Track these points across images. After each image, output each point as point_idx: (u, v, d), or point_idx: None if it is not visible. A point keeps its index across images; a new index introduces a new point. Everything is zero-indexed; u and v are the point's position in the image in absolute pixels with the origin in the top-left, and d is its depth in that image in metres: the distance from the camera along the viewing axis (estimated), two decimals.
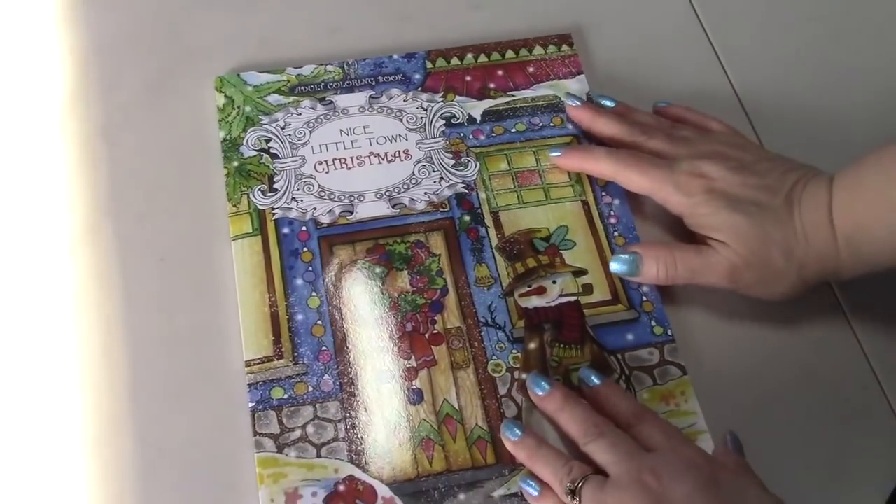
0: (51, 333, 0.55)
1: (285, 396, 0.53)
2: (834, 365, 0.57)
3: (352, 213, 0.59)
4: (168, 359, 0.54)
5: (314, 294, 0.56)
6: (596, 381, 0.53)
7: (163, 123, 0.62)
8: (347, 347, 0.55)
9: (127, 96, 0.62)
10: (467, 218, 0.59)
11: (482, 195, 0.60)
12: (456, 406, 0.54)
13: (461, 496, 0.51)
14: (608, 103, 0.63)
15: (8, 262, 0.57)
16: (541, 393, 0.53)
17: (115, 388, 0.53)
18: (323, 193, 0.60)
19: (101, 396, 0.53)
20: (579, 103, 0.63)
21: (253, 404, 0.53)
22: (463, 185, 0.61)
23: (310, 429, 0.52)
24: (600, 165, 0.59)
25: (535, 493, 0.50)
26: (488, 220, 0.59)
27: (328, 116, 0.62)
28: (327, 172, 0.60)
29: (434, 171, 0.61)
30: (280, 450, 0.52)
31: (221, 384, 0.54)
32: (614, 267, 0.57)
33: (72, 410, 0.53)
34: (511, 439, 0.52)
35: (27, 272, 0.57)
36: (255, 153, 0.61)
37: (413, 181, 0.60)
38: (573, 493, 0.48)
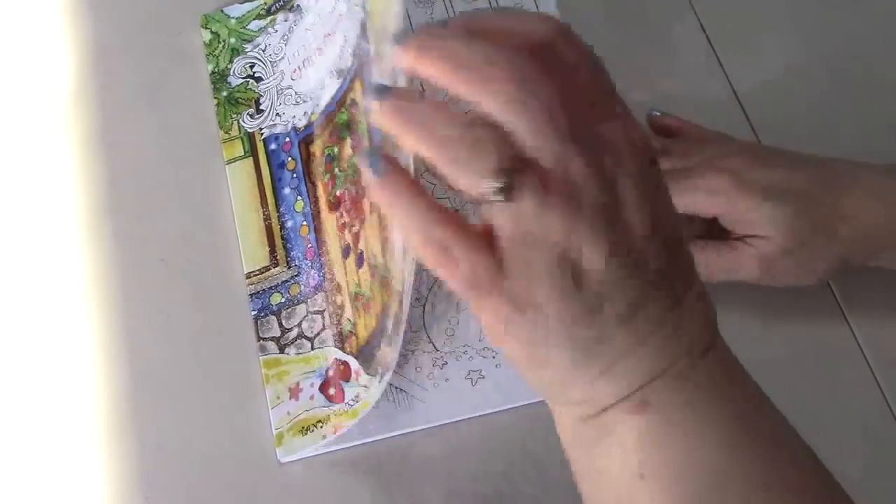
0: (51, 330, 0.58)
1: (283, 300, 0.56)
2: (832, 365, 0.56)
3: (318, 105, 0.59)
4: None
5: (299, 198, 0.58)
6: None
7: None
8: (322, 237, 0.56)
9: (126, 96, 0.65)
10: None
11: None
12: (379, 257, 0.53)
13: None
14: None
15: (8, 261, 0.59)
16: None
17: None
18: (299, 99, 0.61)
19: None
20: None
21: (255, 312, 0.56)
22: None
23: (304, 325, 0.55)
24: None
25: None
26: None
27: (296, 21, 0.63)
28: (301, 77, 0.61)
29: None
30: (282, 350, 0.55)
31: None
32: None
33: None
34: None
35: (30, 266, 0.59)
36: (242, 81, 0.63)
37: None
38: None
